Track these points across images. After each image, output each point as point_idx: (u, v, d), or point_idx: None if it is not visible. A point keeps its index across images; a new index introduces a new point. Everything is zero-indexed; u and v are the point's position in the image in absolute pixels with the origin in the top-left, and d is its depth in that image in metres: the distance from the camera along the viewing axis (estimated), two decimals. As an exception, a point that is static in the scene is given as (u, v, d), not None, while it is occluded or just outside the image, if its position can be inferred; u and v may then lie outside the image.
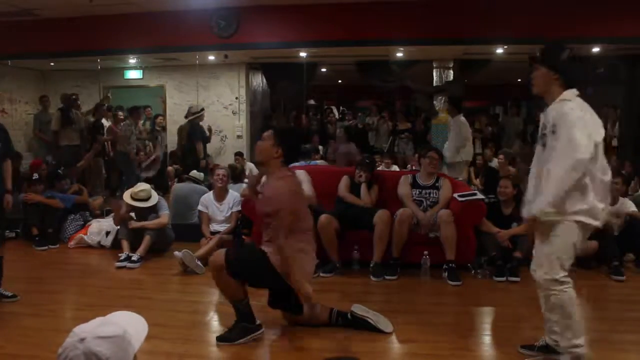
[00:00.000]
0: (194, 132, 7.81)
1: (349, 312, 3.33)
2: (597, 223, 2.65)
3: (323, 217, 4.52)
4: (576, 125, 2.54)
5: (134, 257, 4.76)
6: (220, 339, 3.16)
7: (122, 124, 8.17)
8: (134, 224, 5.05)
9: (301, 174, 5.09)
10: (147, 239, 4.92)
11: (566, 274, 2.68)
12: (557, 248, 2.67)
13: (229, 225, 5.21)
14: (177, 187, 6.30)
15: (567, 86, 2.68)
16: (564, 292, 2.67)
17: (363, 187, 4.84)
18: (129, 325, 1.49)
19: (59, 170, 6.40)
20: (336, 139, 8.92)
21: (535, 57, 2.77)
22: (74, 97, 8.14)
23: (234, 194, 5.35)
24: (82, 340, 1.36)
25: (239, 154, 8.16)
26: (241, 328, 3.17)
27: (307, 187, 4.96)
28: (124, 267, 4.71)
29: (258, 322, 3.22)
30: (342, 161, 7.55)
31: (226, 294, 3.20)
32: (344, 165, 7.37)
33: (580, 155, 2.51)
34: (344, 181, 4.97)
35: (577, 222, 2.62)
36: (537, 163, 2.81)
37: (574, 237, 2.65)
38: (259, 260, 3.10)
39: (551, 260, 2.68)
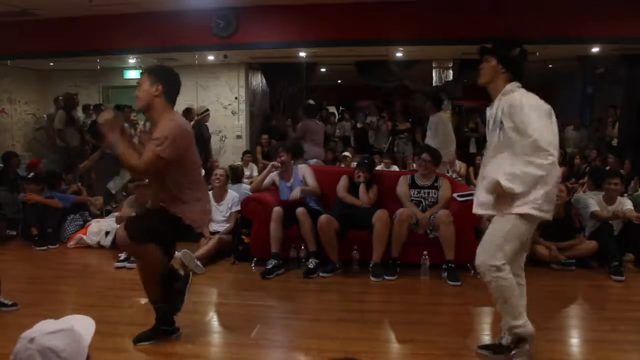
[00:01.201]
0: (201, 133, 7.76)
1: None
2: (541, 215, 2.63)
3: (323, 218, 4.52)
4: (534, 116, 2.55)
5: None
6: (136, 339, 3.06)
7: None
8: (134, 224, 5.04)
9: (304, 168, 5.10)
10: (146, 239, 4.91)
11: (505, 261, 2.68)
12: (502, 234, 2.68)
13: (228, 225, 5.22)
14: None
15: (511, 81, 2.73)
16: (503, 279, 2.68)
17: (362, 187, 4.84)
18: (75, 321, 1.48)
19: (58, 171, 6.40)
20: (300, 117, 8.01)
21: (485, 49, 2.82)
22: (75, 96, 8.13)
23: (233, 194, 5.36)
24: (31, 340, 1.33)
25: (247, 153, 8.16)
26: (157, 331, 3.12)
27: (310, 181, 4.96)
28: (124, 267, 4.71)
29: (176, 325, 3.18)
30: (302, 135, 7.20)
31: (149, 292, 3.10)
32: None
33: (549, 158, 2.54)
34: (343, 181, 4.96)
35: (522, 213, 2.62)
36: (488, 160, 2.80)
37: (520, 226, 2.65)
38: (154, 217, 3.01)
39: (494, 245, 2.69)
